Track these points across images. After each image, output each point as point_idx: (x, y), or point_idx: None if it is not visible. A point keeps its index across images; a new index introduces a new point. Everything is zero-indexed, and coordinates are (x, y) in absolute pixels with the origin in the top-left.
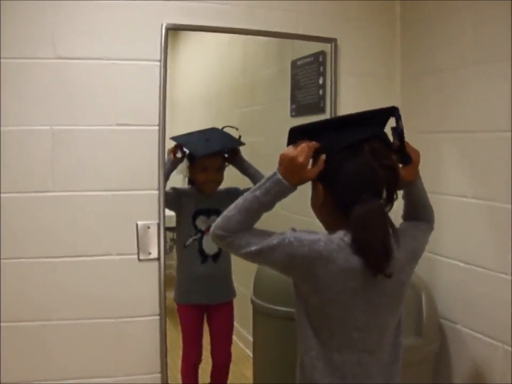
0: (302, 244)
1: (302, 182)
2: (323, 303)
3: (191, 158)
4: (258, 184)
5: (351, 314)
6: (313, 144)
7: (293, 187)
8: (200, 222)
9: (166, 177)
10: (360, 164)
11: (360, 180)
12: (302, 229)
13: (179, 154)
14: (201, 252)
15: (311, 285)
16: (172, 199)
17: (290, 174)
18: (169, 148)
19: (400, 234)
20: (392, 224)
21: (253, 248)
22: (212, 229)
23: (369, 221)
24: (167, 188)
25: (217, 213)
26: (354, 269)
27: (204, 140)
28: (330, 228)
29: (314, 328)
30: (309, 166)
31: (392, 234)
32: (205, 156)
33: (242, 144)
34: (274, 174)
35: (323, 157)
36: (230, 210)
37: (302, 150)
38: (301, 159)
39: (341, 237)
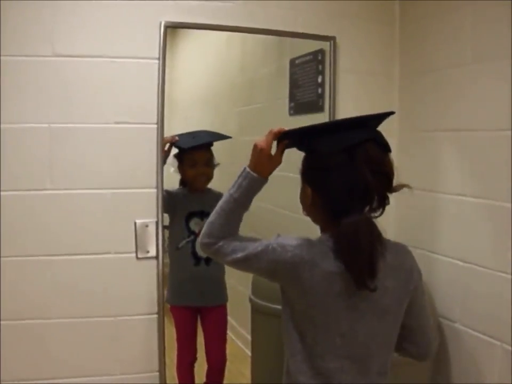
0: (285, 249)
1: (268, 169)
2: (308, 307)
3: (180, 155)
4: (232, 183)
5: (334, 319)
6: (278, 129)
7: (262, 178)
8: (194, 224)
9: None
10: (351, 173)
11: (351, 190)
12: (287, 235)
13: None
14: (194, 254)
15: (297, 289)
16: (166, 201)
17: (256, 163)
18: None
19: (392, 247)
20: (380, 236)
21: (239, 255)
22: (199, 239)
23: (356, 237)
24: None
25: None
26: (337, 273)
27: (191, 136)
28: (319, 225)
29: (299, 333)
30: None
31: (379, 246)
32: (191, 149)
33: (228, 137)
34: (244, 169)
35: (285, 142)
36: (211, 216)
37: (265, 137)
38: (262, 144)
39: (324, 240)
